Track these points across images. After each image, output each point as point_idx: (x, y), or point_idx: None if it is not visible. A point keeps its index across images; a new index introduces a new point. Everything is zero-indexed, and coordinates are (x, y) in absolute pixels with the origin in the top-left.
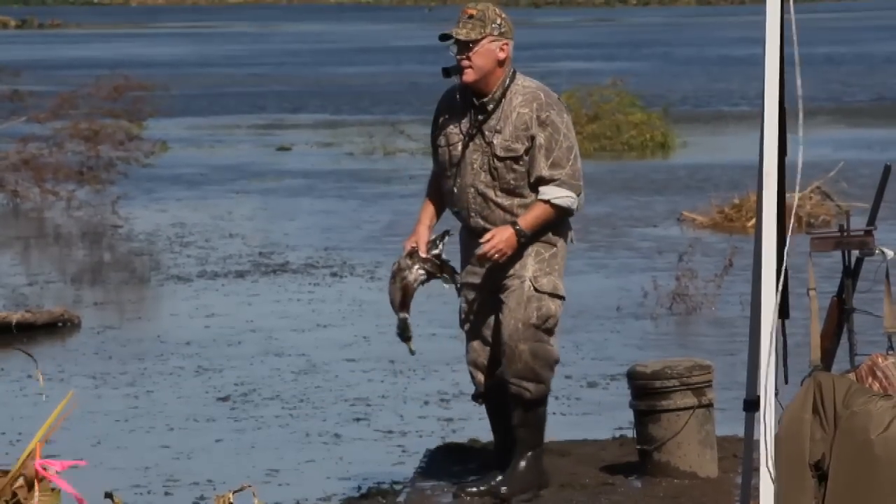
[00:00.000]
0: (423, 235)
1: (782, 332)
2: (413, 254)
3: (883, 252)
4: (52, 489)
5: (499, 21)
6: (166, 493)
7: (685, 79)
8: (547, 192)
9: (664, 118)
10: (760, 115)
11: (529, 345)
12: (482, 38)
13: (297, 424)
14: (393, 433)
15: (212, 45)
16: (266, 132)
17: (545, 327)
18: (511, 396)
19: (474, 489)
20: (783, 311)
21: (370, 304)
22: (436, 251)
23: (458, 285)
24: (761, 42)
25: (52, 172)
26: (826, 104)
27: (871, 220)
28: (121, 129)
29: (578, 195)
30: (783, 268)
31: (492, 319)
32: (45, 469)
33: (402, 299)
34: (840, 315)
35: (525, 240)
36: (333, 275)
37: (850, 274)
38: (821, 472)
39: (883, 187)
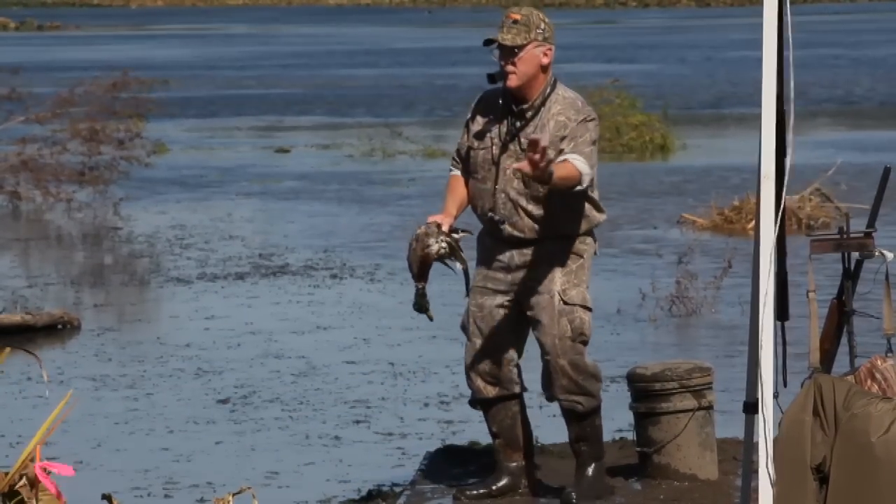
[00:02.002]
0: (450, 216)
1: (782, 335)
2: (438, 226)
3: (883, 254)
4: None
5: (542, 26)
6: (166, 496)
7: (685, 81)
8: (567, 154)
9: (664, 120)
10: (759, 118)
11: (569, 358)
12: (527, 44)
13: (297, 427)
14: (393, 435)
15: (211, 47)
16: (265, 134)
17: (581, 340)
18: (564, 412)
19: (474, 492)
20: (782, 314)
21: (370, 307)
22: (457, 235)
23: (467, 272)
24: (760, 44)
25: (52, 174)
26: (827, 106)
27: (871, 222)
28: (121, 127)
29: (591, 181)
30: (783, 269)
31: (503, 327)
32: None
33: (420, 268)
34: (840, 317)
35: (549, 180)
36: (333, 277)
37: (850, 276)
38: (822, 475)
39: (883, 189)
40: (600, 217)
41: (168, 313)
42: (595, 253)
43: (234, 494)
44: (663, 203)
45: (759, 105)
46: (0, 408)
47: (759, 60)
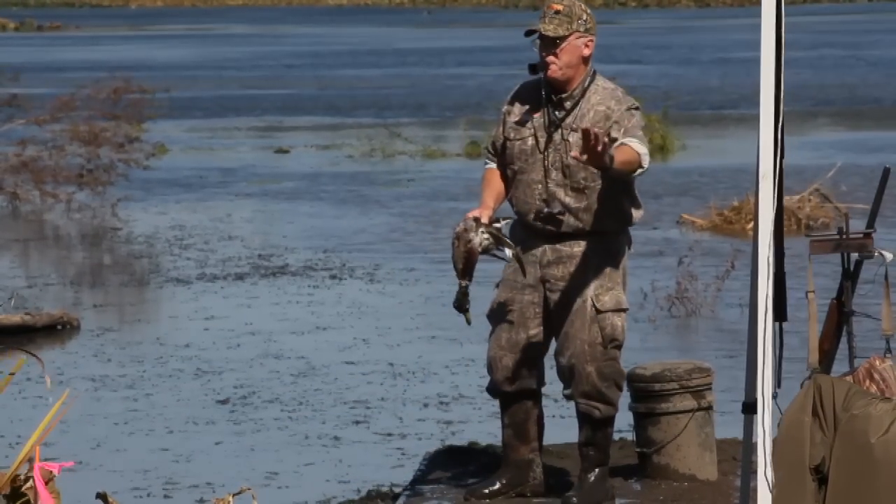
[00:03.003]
0: (488, 208)
1: (780, 335)
2: (476, 220)
3: (882, 255)
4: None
5: (584, 17)
6: (166, 496)
7: (684, 81)
8: (627, 140)
9: (663, 121)
10: (758, 118)
11: (597, 365)
12: (569, 35)
13: (297, 427)
14: (392, 436)
15: (211, 47)
16: (265, 134)
17: (614, 345)
18: (579, 415)
19: (486, 490)
20: (780, 314)
21: (369, 307)
22: (498, 225)
23: (519, 256)
24: (759, 44)
25: (51, 175)
26: (827, 106)
27: (871, 223)
28: (120, 131)
29: (647, 165)
30: (781, 270)
31: (531, 323)
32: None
33: (465, 265)
34: (839, 317)
35: (610, 165)
36: (333, 277)
37: (850, 276)
38: (821, 476)
39: (882, 189)
40: (637, 214)
41: (167, 314)
42: (629, 249)
43: (234, 495)
44: (663, 203)
45: (758, 105)
46: (0, 408)
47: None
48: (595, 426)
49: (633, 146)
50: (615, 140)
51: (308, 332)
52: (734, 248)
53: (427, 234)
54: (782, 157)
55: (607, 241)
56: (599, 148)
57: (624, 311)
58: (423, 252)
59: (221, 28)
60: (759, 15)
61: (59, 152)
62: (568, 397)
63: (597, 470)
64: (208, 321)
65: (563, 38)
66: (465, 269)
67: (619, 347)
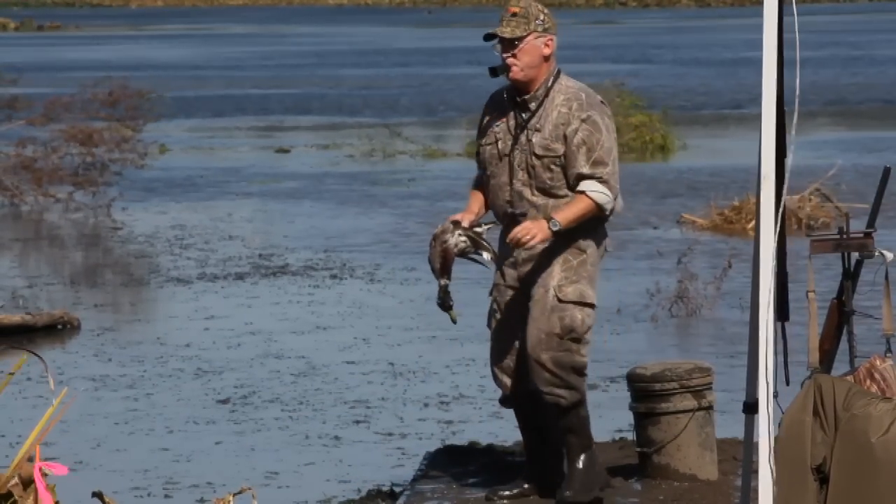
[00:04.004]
0: (471, 213)
1: (782, 335)
2: (455, 223)
3: (882, 254)
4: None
5: (542, 17)
6: (166, 496)
7: (685, 81)
8: (585, 185)
9: (664, 120)
10: (759, 118)
11: (551, 354)
12: (527, 35)
13: (297, 427)
14: (392, 436)
15: (211, 47)
16: (265, 134)
17: (571, 337)
18: (548, 407)
19: (507, 492)
20: (783, 314)
21: (370, 307)
22: (479, 229)
23: (495, 259)
24: (760, 44)
25: (47, 176)
26: (827, 107)
27: (871, 223)
28: (116, 131)
29: (615, 198)
30: (783, 270)
31: (518, 323)
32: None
33: (443, 264)
34: (840, 317)
35: (558, 232)
36: (333, 277)
37: (850, 276)
38: (822, 475)
39: (882, 189)
40: (613, 205)
41: (168, 313)
42: (606, 248)
43: (234, 495)
44: (663, 203)
45: (759, 105)
46: (0, 408)
47: (759, 61)
48: (566, 413)
49: (592, 196)
50: (581, 176)
51: (308, 331)
52: (734, 247)
53: (427, 234)
54: (785, 157)
55: (576, 236)
56: (529, 244)
57: (588, 305)
58: (424, 252)
59: (222, 28)
60: (760, 15)
61: (54, 152)
62: (534, 392)
63: (583, 456)
64: (209, 321)
65: (522, 39)
66: (443, 268)
67: (577, 341)
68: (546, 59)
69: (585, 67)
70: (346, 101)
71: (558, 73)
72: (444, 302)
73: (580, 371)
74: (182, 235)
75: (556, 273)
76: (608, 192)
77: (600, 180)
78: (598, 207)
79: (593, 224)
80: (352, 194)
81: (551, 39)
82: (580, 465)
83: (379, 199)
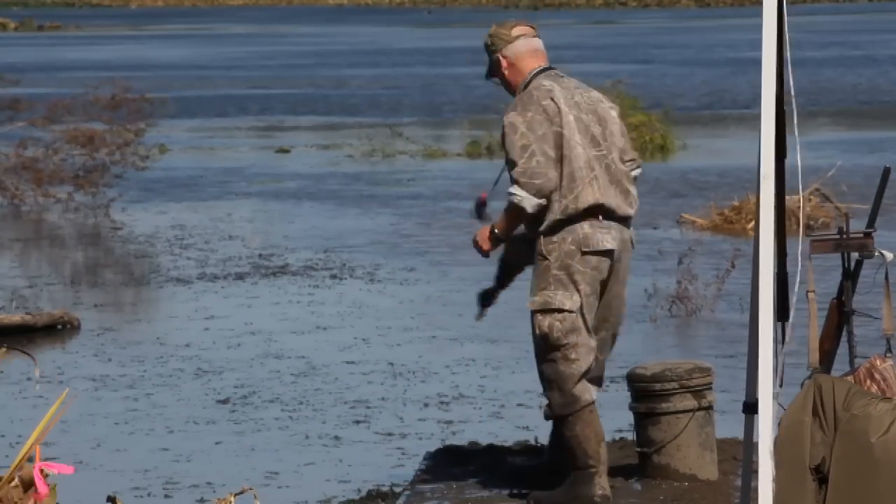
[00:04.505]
0: None
1: (782, 335)
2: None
3: (882, 254)
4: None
5: (489, 41)
6: (166, 496)
7: (685, 81)
8: (509, 188)
9: (664, 120)
10: (759, 118)
11: (539, 366)
12: (495, 63)
13: (297, 427)
14: (392, 436)
15: (211, 47)
16: (265, 134)
17: (546, 345)
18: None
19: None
20: (782, 314)
21: (370, 307)
22: None
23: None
24: (760, 44)
25: (48, 177)
26: (827, 107)
27: (871, 223)
28: (118, 134)
29: (534, 193)
30: (783, 270)
31: None
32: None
33: (508, 274)
34: (840, 317)
35: (499, 237)
36: (333, 277)
37: (850, 276)
38: (821, 475)
39: (882, 189)
40: (558, 209)
41: (168, 313)
42: (580, 247)
43: (235, 495)
44: (663, 203)
45: (759, 105)
46: (0, 408)
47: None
48: (555, 426)
49: (510, 200)
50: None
51: (308, 331)
52: (734, 247)
53: (428, 234)
54: (784, 157)
55: (538, 244)
56: (477, 250)
57: (554, 311)
58: (424, 252)
59: (222, 28)
60: (760, 15)
61: (55, 153)
62: None
63: (570, 475)
64: (208, 321)
65: (493, 72)
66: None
67: (555, 347)
68: (508, 75)
69: (585, 67)
70: (347, 101)
71: (532, 78)
72: (489, 302)
73: (559, 385)
74: (182, 235)
75: (531, 284)
76: (520, 192)
77: (513, 181)
78: (519, 208)
79: (552, 227)
80: (352, 194)
81: (502, 57)
82: (564, 483)
83: (379, 199)
